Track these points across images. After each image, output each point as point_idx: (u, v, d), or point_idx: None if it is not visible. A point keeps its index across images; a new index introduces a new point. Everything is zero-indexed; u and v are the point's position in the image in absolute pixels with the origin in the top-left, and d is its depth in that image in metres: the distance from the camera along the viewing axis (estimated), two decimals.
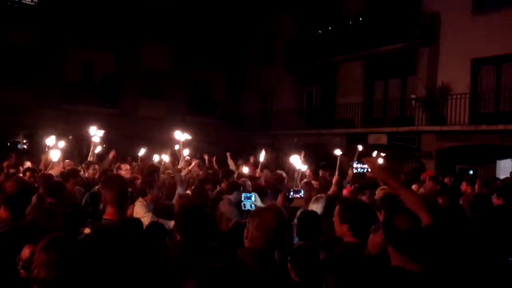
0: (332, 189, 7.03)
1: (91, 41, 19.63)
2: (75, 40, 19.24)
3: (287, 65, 21.19)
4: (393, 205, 3.47)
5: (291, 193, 5.06)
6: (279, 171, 8.01)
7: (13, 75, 18.13)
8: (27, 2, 18.98)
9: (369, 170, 3.05)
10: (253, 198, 5.19)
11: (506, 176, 12.48)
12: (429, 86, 15.32)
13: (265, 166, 9.15)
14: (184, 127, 8.74)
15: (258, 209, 2.44)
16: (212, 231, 3.56)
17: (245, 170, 8.58)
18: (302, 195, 5.08)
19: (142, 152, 9.94)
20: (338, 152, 8.46)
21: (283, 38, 21.39)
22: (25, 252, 2.55)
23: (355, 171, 3.29)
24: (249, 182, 6.42)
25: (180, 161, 8.36)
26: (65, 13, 18.82)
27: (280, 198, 4.39)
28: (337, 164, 8.25)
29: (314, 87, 21.07)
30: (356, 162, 3.25)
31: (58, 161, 6.75)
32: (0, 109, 16.64)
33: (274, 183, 7.22)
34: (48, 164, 6.69)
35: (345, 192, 7.00)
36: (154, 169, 6.76)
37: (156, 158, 9.15)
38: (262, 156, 8.58)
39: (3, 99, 17.13)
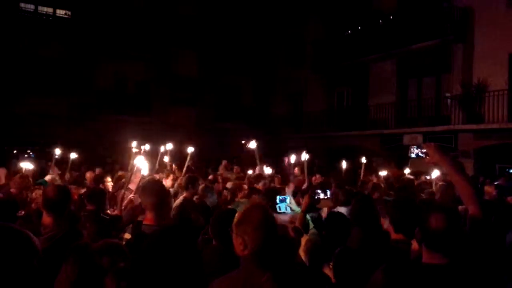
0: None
1: (122, 51, 20.03)
2: (107, 51, 19.66)
3: (316, 66, 21.03)
4: (429, 203, 3.40)
5: (319, 194, 4.88)
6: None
7: (48, 87, 18.65)
8: (61, 15, 19.59)
9: (428, 155, 2.94)
10: (288, 201, 5.09)
11: None
12: (464, 83, 14.88)
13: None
14: (214, 133, 8.89)
15: (241, 214, 2.29)
16: None
17: (268, 170, 8.60)
18: (329, 195, 4.92)
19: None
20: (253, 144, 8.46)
21: (311, 39, 21.27)
22: None
23: (413, 155, 3.26)
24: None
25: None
26: (97, 25, 19.32)
27: (305, 199, 4.26)
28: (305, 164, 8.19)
29: (345, 88, 20.83)
30: (416, 147, 3.20)
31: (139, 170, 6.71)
32: (35, 120, 17.18)
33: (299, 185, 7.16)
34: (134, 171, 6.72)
35: None
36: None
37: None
38: (304, 156, 8.46)
39: (38, 110, 17.62)
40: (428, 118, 16.51)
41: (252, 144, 8.58)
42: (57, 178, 7.16)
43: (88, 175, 8.48)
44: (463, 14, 15.19)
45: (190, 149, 8.58)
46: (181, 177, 7.42)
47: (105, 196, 4.80)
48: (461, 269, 2.28)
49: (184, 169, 8.24)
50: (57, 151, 8.51)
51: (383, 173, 9.49)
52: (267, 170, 8.63)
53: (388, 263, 2.36)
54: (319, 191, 4.64)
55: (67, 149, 9.26)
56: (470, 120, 14.69)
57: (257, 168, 9.02)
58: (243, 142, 9.57)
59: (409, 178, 7.46)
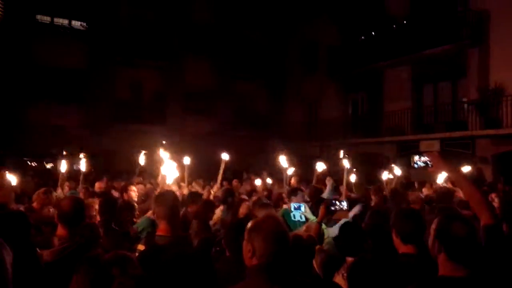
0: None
1: (137, 60, 20.25)
2: (122, 61, 19.90)
3: (330, 73, 20.96)
4: (448, 210, 3.30)
5: (334, 205, 4.74)
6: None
7: (65, 96, 18.95)
8: (77, 27, 19.92)
9: (432, 164, 2.88)
10: (302, 209, 5.04)
11: None
12: (481, 88, 14.65)
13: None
14: (229, 141, 8.59)
15: (255, 221, 2.26)
16: None
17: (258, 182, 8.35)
18: (345, 207, 4.78)
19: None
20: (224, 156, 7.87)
21: (325, 46, 21.21)
22: None
23: (416, 166, 3.19)
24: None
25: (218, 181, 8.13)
26: (112, 35, 19.61)
27: (321, 210, 4.14)
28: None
29: (360, 94, 20.70)
30: (418, 156, 3.15)
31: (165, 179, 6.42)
32: (52, 130, 17.42)
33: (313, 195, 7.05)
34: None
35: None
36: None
37: None
38: (320, 167, 8.29)
39: (55, 120, 17.92)
40: (444, 124, 16.27)
41: (224, 156, 7.90)
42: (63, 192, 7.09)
43: (97, 185, 8.40)
44: (479, 18, 14.99)
45: (225, 156, 7.89)
46: (214, 188, 7.32)
47: (116, 206, 4.78)
48: (483, 281, 2.21)
49: (219, 178, 7.79)
50: (63, 166, 7.89)
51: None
52: (257, 182, 8.47)
53: (418, 280, 2.28)
54: (336, 202, 4.55)
55: (83, 159, 9.16)
56: (488, 125, 14.43)
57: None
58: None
59: (447, 188, 7.06)
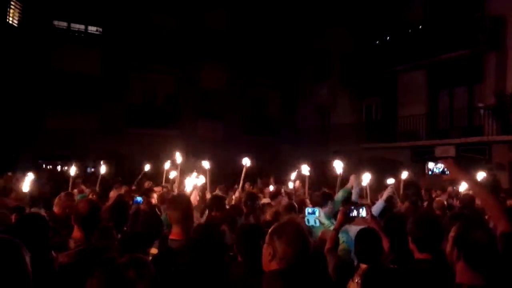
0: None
1: (151, 65, 20.41)
2: (137, 66, 20.06)
3: (343, 79, 20.89)
4: (468, 218, 3.22)
5: (353, 212, 4.53)
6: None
7: (79, 101, 19.13)
8: (92, 32, 20.17)
9: (448, 171, 2.84)
10: (317, 213, 4.97)
11: None
12: (498, 93, 14.46)
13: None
14: (242, 146, 8.49)
15: (277, 225, 2.29)
16: None
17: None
18: (365, 215, 4.57)
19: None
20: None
21: (338, 52, 21.17)
22: None
23: (430, 173, 3.14)
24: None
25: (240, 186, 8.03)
26: (127, 40, 19.81)
27: (339, 216, 4.03)
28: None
29: (374, 100, 20.57)
30: (434, 163, 3.10)
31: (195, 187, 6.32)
32: (68, 134, 17.60)
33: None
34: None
35: None
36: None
37: None
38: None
39: (70, 125, 18.09)
40: (460, 129, 16.07)
41: (246, 161, 7.66)
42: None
43: (112, 194, 8.32)
44: (496, 23, 14.83)
45: (246, 161, 7.66)
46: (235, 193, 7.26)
47: (127, 210, 4.79)
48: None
49: (241, 183, 7.60)
50: (72, 170, 7.95)
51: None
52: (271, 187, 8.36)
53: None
54: (353, 208, 4.40)
55: (98, 163, 9.19)
56: (505, 130, 14.23)
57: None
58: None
59: (470, 195, 6.77)
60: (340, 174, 7.15)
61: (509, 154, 14.35)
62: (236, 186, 8.90)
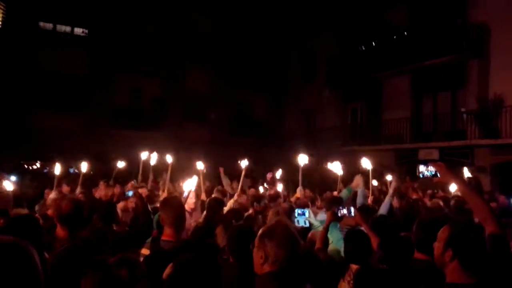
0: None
1: (137, 67, 20.29)
2: (123, 67, 19.93)
3: (329, 82, 21.01)
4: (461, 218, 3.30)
5: (341, 210, 4.61)
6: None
7: (65, 101, 18.99)
8: (78, 34, 19.98)
9: (438, 174, 2.89)
10: (306, 214, 5.00)
11: None
12: (481, 98, 14.72)
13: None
14: (228, 149, 8.43)
15: (267, 227, 2.29)
16: None
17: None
18: (353, 214, 4.69)
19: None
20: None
21: (324, 55, 21.30)
22: None
23: (421, 176, 3.21)
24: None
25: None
26: (113, 42, 19.66)
27: (328, 216, 4.09)
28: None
29: (359, 103, 20.73)
30: (425, 166, 3.17)
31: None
32: (52, 135, 17.34)
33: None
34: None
35: None
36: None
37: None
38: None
39: (55, 125, 17.86)
40: (443, 133, 16.31)
41: (244, 163, 7.60)
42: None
43: (97, 194, 8.21)
44: (479, 30, 15.10)
45: (244, 163, 7.56)
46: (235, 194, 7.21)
47: (115, 210, 4.74)
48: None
49: (240, 184, 7.47)
50: (57, 169, 7.74)
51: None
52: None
53: (426, 284, 2.29)
54: (341, 208, 4.45)
55: (80, 164, 9.06)
56: (487, 135, 14.49)
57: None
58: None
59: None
60: (340, 175, 7.27)
61: (490, 158, 14.62)
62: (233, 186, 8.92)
